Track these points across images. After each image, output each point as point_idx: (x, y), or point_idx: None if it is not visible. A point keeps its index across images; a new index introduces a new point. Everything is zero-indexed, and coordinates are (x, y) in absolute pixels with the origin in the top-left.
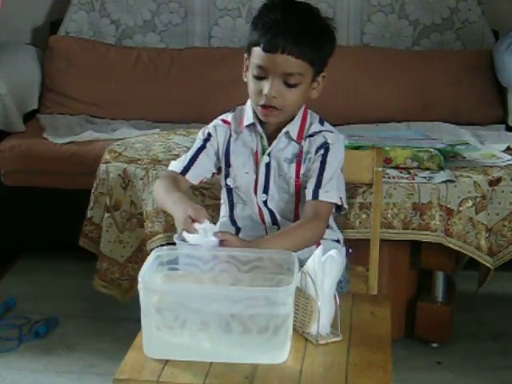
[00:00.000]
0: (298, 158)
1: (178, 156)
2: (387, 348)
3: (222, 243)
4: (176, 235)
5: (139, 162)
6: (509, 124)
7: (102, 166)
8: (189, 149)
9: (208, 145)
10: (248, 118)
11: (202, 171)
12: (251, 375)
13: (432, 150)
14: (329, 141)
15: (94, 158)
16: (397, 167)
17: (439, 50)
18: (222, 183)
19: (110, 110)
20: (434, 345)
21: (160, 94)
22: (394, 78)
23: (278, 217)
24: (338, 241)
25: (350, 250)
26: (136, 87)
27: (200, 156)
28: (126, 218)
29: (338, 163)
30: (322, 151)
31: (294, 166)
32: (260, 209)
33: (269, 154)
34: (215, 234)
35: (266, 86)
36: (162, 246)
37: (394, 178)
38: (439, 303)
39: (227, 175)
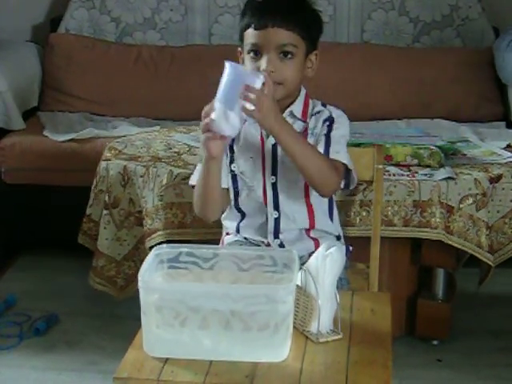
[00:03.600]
0: (304, 134)
1: (178, 153)
2: (388, 345)
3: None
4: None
5: (139, 159)
6: (510, 120)
7: (103, 164)
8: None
9: None
10: None
11: (225, 172)
12: (251, 373)
13: (432, 148)
14: (333, 115)
15: (94, 156)
16: (397, 164)
17: (439, 47)
18: (227, 169)
19: (111, 107)
20: (435, 342)
21: (160, 92)
22: (394, 76)
23: (282, 202)
24: (338, 237)
25: (351, 248)
26: (136, 85)
27: None
28: (124, 216)
29: (343, 131)
30: (327, 123)
31: None
32: (265, 192)
33: None
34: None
35: (262, 63)
36: (162, 243)
37: (394, 175)
38: (439, 300)
39: (232, 161)
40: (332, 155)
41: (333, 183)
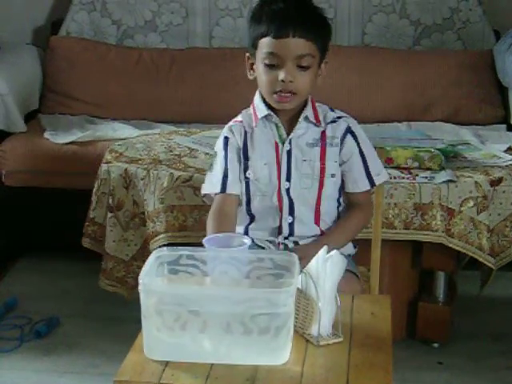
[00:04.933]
0: (322, 142)
1: (178, 156)
2: (388, 348)
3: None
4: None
5: (140, 162)
6: (510, 123)
7: (103, 166)
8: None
9: (229, 148)
10: (261, 111)
11: (237, 177)
12: (252, 377)
13: (433, 150)
14: (350, 124)
15: (95, 158)
16: (398, 167)
17: (440, 50)
18: (241, 177)
19: (111, 110)
20: (435, 345)
21: (161, 94)
22: (394, 78)
23: (297, 207)
24: None
25: (356, 246)
26: (137, 87)
27: (228, 164)
28: (129, 218)
29: (368, 144)
30: (350, 139)
31: (318, 149)
32: (280, 198)
33: (289, 142)
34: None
35: (281, 73)
36: (164, 245)
37: (395, 178)
38: (440, 303)
39: (246, 168)
40: (378, 182)
41: (371, 218)
